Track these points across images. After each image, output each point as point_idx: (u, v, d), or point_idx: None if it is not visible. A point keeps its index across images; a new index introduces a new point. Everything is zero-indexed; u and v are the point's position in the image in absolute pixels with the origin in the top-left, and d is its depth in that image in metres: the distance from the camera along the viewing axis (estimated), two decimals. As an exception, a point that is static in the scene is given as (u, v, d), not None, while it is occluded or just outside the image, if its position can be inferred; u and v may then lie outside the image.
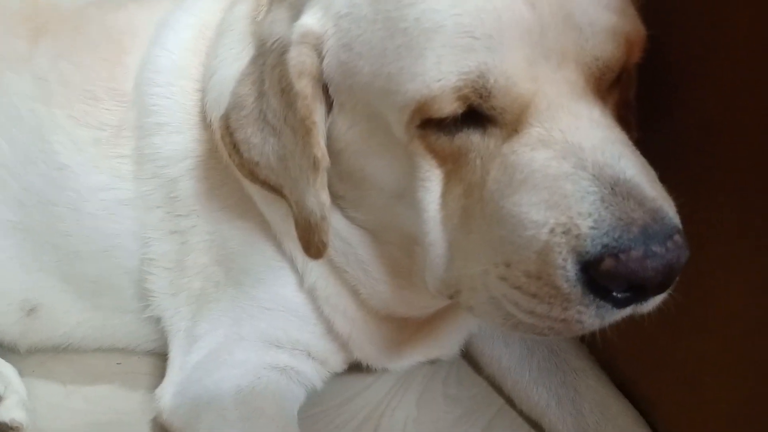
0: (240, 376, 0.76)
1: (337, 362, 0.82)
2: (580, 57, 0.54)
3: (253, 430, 0.71)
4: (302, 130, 0.60)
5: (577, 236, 0.50)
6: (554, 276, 0.52)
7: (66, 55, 0.87)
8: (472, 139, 0.56)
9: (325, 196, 0.62)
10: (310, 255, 0.65)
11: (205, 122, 0.77)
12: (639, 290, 0.51)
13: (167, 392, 0.79)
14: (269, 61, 0.62)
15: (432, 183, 0.58)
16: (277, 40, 0.62)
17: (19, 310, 0.88)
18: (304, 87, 0.59)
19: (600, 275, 0.50)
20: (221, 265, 0.79)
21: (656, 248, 0.49)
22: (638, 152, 0.54)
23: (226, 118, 0.65)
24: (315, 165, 0.60)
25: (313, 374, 0.81)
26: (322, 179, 0.61)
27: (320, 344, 0.79)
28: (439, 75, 0.53)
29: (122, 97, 0.84)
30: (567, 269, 0.51)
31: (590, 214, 0.50)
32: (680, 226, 0.52)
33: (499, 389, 0.87)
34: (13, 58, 0.88)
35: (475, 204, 0.57)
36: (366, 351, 0.80)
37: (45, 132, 0.85)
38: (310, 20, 0.60)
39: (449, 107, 0.54)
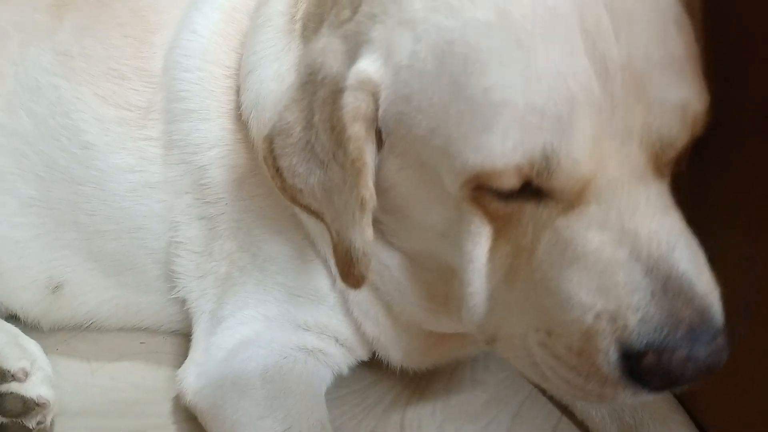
0: (266, 355, 0.76)
1: (364, 353, 0.82)
2: (645, 135, 0.53)
3: (281, 409, 0.71)
4: (352, 171, 0.58)
5: (624, 327, 0.51)
6: (595, 357, 0.52)
7: (90, 31, 0.86)
8: (527, 207, 0.55)
9: (369, 234, 0.60)
10: (348, 284, 0.64)
11: (236, 112, 0.76)
12: (675, 383, 0.52)
13: (191, 373, 0.78)
14: (320, 94, 0.60)
15: (480, 238, 0.58)
16: (330, 76, 0.59)
17: (44, 287, 0.88)
18: (358, 131, 0.58)
19: (640, 368, 0.51)
20: (247, 251, 0.79)
21: (699, 351, 0.50)
22: (691, 237, 0.54)
23: (270, 142, 0.63)
24: (362, 205, 0.59)
25: (340, 359, 0.81)
26: (368, 218, 0.60)
27: (348, 335, 0.79)
28: (503, 152, 0.51)
29: (150, 77, 0.83)
30: (609, 354, 0.52)
31: (639, 309, 0.50)
32: (724, 325, 0.52)
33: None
34: (37, 33, 0.88)
35: (521, 265, 0.57)
36: (392, 354, 0.79)
37: (68, 108, 0.84)
38: (370, 67, 0.57)
39: (509, 182, 0.53)
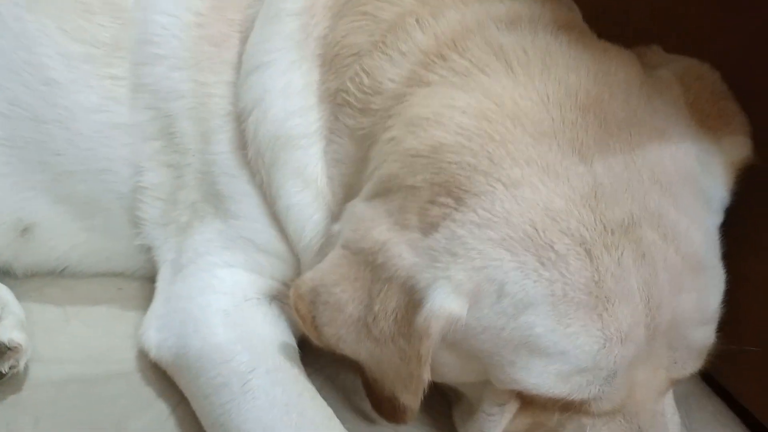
0: (228, 300, 0.73)
1: None
2: (670, 368, 0.61)
3: (244, 352, 0.69)
4: (415, 360, 0.60)
5: None
6: None
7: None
8: (558, 404, 0.60)
9: (420, 397, 0.62)
10: (388, 421, 0.67)
11: (208, 64, 0.75)
12: None
13: (151, 326, 0.77)
14: (384, 289, 0.60)
15: (508, 412, 0.65)
16: (399, 281, 0.59)
17: (13, 229, 0.86)
18: (434, 344, 0.59)
19: None
20: (210, 203, 0.77)
21: None
22: (682, 429, 0.65)
23: (311, 305, 0.62)
24: (419, 383, 0.61)
25: None
26: (422, 390, 0.62)
27: None
28: (555, 388, 0.58)
29: (120, 12, 0.79)
30: None
31: None
32: None
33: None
34: (-2, -38, 0.83)
35: None
36: None
37: (32, 42, 0.80)
38: (455, 306, 0.57)
39: (552, 402, 0.60)
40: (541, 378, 0.58)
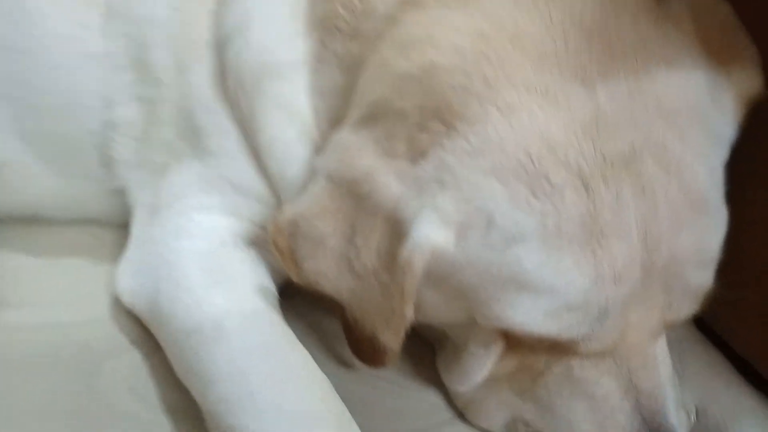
0: (203, 245, 0.70)
1: None
2: (665, 310, 0.58)
3: (218, 295, 0.66)
4: (398, 296, 0.57)
5: None
6: None
7: None
8: (548, 343, 0.58)
9: (402, 337, 0.60)
10: (365, 363, 0.65)
11: None
12: None
13: (125, 273, 0.74)
14: (367, 222, 0.58)
15: (494, 353, 0.63)
16: (383, 213, 0.56)
17: (-22, 169, 0.82)
18: (418, 279, 0.57)
19: None
20: (187, 141, 0.73)
21: None
22: (675, 382, 0.63)
23: (290, 239, 0.60)
24: (401, 320, 0.59)
25: None
26: (404, 329, 0.60)
27: None
28: (543, 326, 0.56)
29: None
30: None
31: None
32: None
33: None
34: None
35: (526, 378, 0.64)
36: None
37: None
38: (441, 238, 0.55)
39: (539, 341, 0.58)
40: (529, 315, 0.55)
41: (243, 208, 0.72)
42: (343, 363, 0.75)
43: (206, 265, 0.69)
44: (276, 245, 0.62)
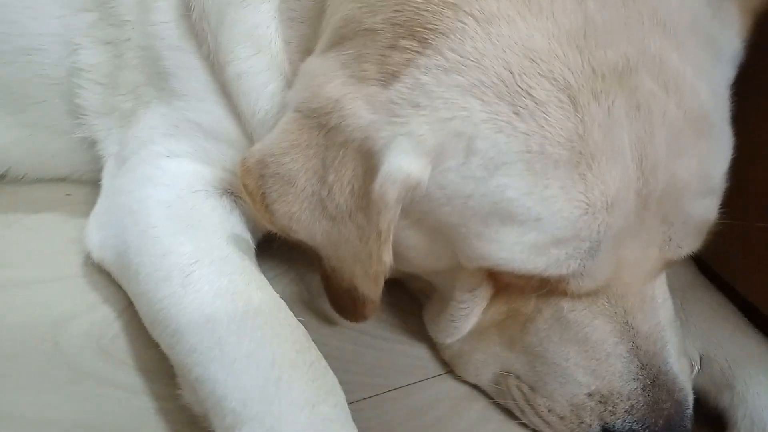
0: (170, 193, 0.66)
1: None
2: (664, 246, 0.54)
3: (186, 243, 0.61)
4: (375, 237, 0.54)
5: (612, 412, 0.56)
6: (576, 425, 0.57)
7: None
8: (536, 283, 0.55)
9: (382, 286, 0.57)
10: (345, 318, 0.62)
11: None
12: None
13: (92, 226, 0.70)
14: (338, 155, 0.53)
15: (481, 298, 0.59)
16: (355, 144, 0.52)
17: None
18: (393, 215, 0.53)
19: None
20: (154, 85, 0.69)
21: None
22: (677, 325, 0.58)
23: (260, 180, 0.56)
24: (380, 267, 0.55)
25: None
26: (383, 278, 0.56)
27: None
28: (531, 263, 0.51)
29: None
30: (591, 426, 0.57)
31: (629, 398, 0.55)
32: (692, 412, 0.57)
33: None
34: None
35: (515, 325, 0.60)
36: None
37: None
38: (415, 167, 0.50)
39: (527, 281, 0.54)
40: (514, 251, 0.50)
41: (213, 154, 0.68)
42: (326, 319, 0.71)
43: (174, 214, 0.65)
44: (245, 188, 0.58)
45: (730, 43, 0.55)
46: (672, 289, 0.63)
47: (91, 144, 0.77)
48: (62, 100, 0.75)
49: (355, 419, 0.60)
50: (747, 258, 0.62)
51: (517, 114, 0.47)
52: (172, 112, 0.68)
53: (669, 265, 0.56)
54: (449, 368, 0.66)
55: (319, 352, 0.57)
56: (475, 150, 0.49)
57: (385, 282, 0.70)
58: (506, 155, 0.48)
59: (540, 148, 0.48)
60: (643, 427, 0.54)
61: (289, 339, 0.56)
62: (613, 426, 0.55)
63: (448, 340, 0.64)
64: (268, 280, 0.70)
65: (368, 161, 0.52)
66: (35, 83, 0.74)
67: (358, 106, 0.51)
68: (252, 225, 0.69)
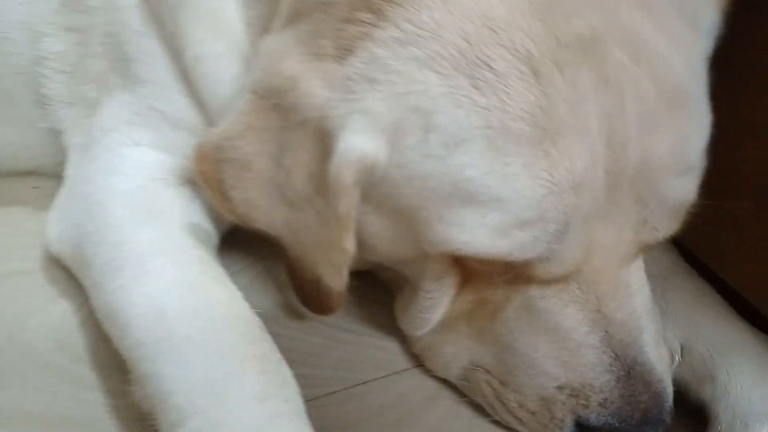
0: (131, 182, 0.63)
1: None
2: (638, 228, 0.51)
3: (143, 232, 0.59)
4: (335, 224, 0.52)
5: (584, 405, 0.52)
6: (548, 422, 0.54)
7: None
8: (503, 269, 0.52)
9: (346, 276, 0.55)
10: (311, 311, 0.60)
11: None
12: None
13: (54, 219, 0.67)
14: (295, 137, 0.51)
15: (448, 287, 0.57)
16: (311, 123, 0.50)
17: None
18: (351, 198, 0.51)
19: None
20: (118, 72, 0.66)
21: None
22: (655, 313, 0.55)
23: (216, 165, 0.54)
24: (343, 256, 0.53)
25: None
26: (347, 266, 0.54)
27: None
28: (495, 246, 0.48)
29: None
30: (564, 422, 0.54)
31: (602, 391, 0.52)
32: (672, 405, 0.54)
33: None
34: None
35: (484, 315, 0.57)
36: None
37: None
38: (371, 146, 0.48)
39: (492, 267, 0.52)
40: (476, 233, 0.47)
41: (176, 142, 0.65)
42: (293, 313, 0.69)
43: (133, 203, 0.62)
44: (201, 175, 0.56)
45: (706, 15, 0.52)
46: (651, 276, 0.60)
47: (58, 135, 0.74)
48: (28, 90, 0.73)
49: (318, 415, 0.57)
50: (733, 243, 0.59)
51: (476, 87, 0.45)
52: (135, 99, 0.66)
53: (645, 249, 0.53)
54: (420, 362, 0.63)
55: (273, 345, 0.54)
56: (433, 126, 0.47)
57: (357, 274, 0.68)
58: (466, 131, 0.46)
59: (501, 123, 0.45)
60: (619, 420, 0.51)
61: (241, 331, 0.53)
62: (587, 420, 0.51)
63: (418, 333, 0.61)
64: (234, 272, 0.68)
65: (324, 142, 0.49)
66: (1, 73, 0.72)
67: (314, 84, 0.49)
68: (215, 215, 0.66)
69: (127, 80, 0.66)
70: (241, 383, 0.49)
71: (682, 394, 0.59)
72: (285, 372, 0.52)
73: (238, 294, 0.57)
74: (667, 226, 0.51)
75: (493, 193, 0.46)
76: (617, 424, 0.51)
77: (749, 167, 0.56)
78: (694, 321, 0.60)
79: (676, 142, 0.48)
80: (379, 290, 0.69)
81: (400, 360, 0.64)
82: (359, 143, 0.47)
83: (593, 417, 0.51)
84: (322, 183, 0.50)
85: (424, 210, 0.49)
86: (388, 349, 0.65)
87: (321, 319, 0.67)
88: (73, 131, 0.73)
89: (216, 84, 0.60)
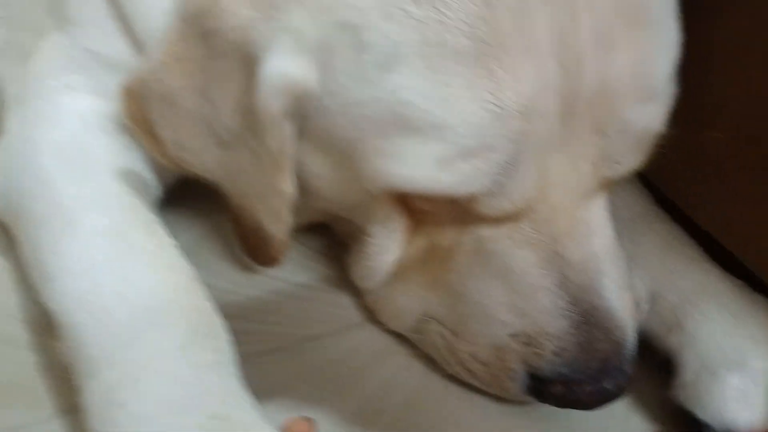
0: (65, 130, 0.59)
1: None
2: (598, 161, 0.47)
3: (76, 184, 0.55)
4: (270, 163, 0.48)
5: (537, 354, 0.49)
6: (501, 372, 0.51)
7: None
8: (450, 207, 0.48)
9: (288, 224, 0.51)
10: (255, 262, 0.57)
11: None
12: (579, 408, 0.51)
13: None
14: (220, 66, 0.47)
15: (397, 232, 0.53)
16: (235, 49, 0.46)
17: None
18: (281, 131, 0.47)
19: (546, 393, 0.50)
20: (51, 15, 0.62)
21: (608, 385, 0.48)
22: (618, 255, 0.51)
23: (140, 102, 0.51)
24: (282, 198, 0.49)
25: None
26: (288, 210, 0.50)
27: None
28: (436, 180, 0.44)
29: None
30: (517, 374, 0.50)
31: (558, 339, 0.48)
32: (634, 352, 0.50)
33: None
34: None
35: (436, 262, 0.53)
36: None
37: None
38: (298, 71, 0.44)
39: (437, 205, 0.49)
40: (416, 166, 0.43)
41: (112, 86, 0.61)
42: (244, 267, 0.65)
43: (65, 154, 0.58)
44: (129, 114, 0.52)
45: None
46: (622, 221, 0.56)
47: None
48: None
49: (260, 371, 0.54)
50: (711, 186, 0.53)
51: None
52: (69, 42, 0.62)
53: (607, 185, 0.49)
54: (373, 317, 0.60)
55: (204, 295, 0.50)
56: (364, 44, 0.42)
57: (311, 227, 0.65)
58: (400, 49, 0.41)
59: (438, 37, 0.40)
60: (574, 370, 0.47)
61: (168, 281, 0.50)
62: (541, 370, 0.48)
63: (368, 284, 0.57)
64: (183, 228, 0.66)
65: (250, 68, 0.45)
66: None
67: (237, 3, 0.44)
68: (157, 164, 0.63)
69: (61, 22, 0.62)
70: (163, 333, 0.46)
71: (651, 346, 0.55)
72: (215, 322, 0.49)
73: (170, 243, 0.53)
74: (631, 158, 0.47)
75: (432, 118, 0.42)
76: (572, 375, 0.47)
77: (726, 96, 0.51)
78: (664, 267, 0.55)
79: (638, 64, 0.43)
80: (334, 244, 0.65)
81: (353, 315, 0.61)
82: (284, 66, 0.43)
83: (547, 366, 0.47)
84: (251, 116, 0.46)
85: (361, 142, 0.45)
86: (341, 304, 0.61)
87: (273, 273, 0.64)
88: (8, 82, 0.68)
89: (149, 17, 0.56)
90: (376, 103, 0.43)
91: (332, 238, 0.66)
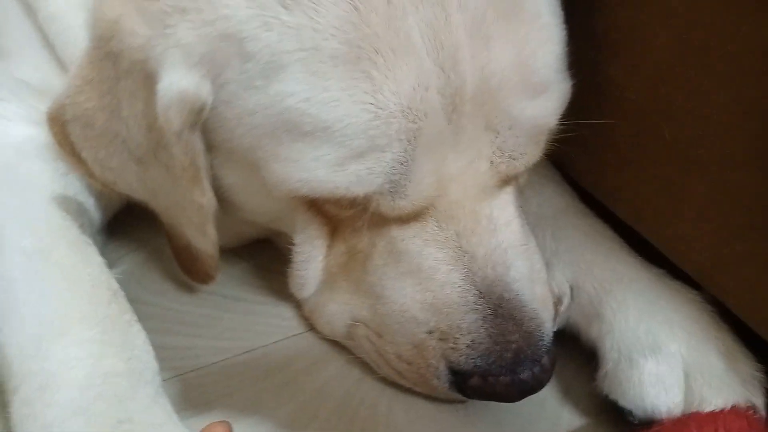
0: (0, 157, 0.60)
1: None
2: (494, 158, 0.48)
3: (5, 210, 0.55)
4: (183, 176, 0.49)
5: (453, 349, 0.50)
6: (424, 369, 0.52)
7: None
8: (361, 213, 0.49)
9: (212, 236, 0.52)
10: (193, 280, 0.59)
11: None
12: (500, 401, 0.51)
13: None
14: (126, 85, 0.49)
15: (317, 239, 0.54)
16: (137, 68, 0.47)
17: None
18: (185, 142, 0.47)
19: (466, 386, 0.51)
20: None
21: (524, 376, 0.49)
22: (530, 248, 0.52)
23: (62, 127, 0.52)
24: (200, 211, 0.50)
25: None
26: (210, 222, 0.51)
27: None
28: (334, 182, 0.45)
29: None
30: (438, 369, 0.51)
31: (470, 332, 0.49)
32: (551, 343, 0.50)
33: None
34: None
35: (356, 265, 0.54)
36: None
37: None
38: (191, 84, 0.46)
39: (341, 208, 0.49)
40: (312, 170, 0.44)
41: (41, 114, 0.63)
42: (186, 288, 0.65)
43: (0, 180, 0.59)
44: (54, 138, 0.53)
45: None
46: (545, 218, 0.57)
47: None
48: None
49: (196, 385, 0.56)
50: (624, 178, 0.54)
51: (283, 6, 0.42)
52: (1, 72, 0.63)
53: (508, 180, 0.50)
54: (311, 326, 0.61)
55: (124, 307, 0.52)
56: (248, 54, 0.44)
57: (255, 243, 0.66)
58: (281, 56, 0.43)
59: (313, 43, 0.42)
60: (489, 362, 0.47)
61: (86, 294, 0.50)
62: (458, 364, 0.48)
63: (303, 293, 0.58)
64: (130, 250, 0.67)
65: (151, 86, 0.46)
66: None
67: (135, 23, 0.46)
68: (97, 189, 0.64)
69: None
70: (74, 343, 0.47)
71: (576, 338, 0.56)
72: (132, 332, 0.50)
73: (97, 261, 0.54)
74: (526, 153, 0.48)
75: (318, 122, 0.43)
76: (487, 366, 0.47)
77: (628, 87, 0.51)
78: (584, 260, 0.56)
79: (519, 57, 0.45)
80: (275, 258, 0.66)
81: (294, 325, 0.61)
82: (176, 81, 0.45)
83: (463, 360, 0.48)
84: (157, 132, 0.48)
85: (260, 150, 0.46)
86: (281, 316, 0.62)
87: (214, 290, 0.65)
88: None
89: (70, 42, 0.58)
90: (266, 110, 0.44)
91: (276, 252, 0.67)
